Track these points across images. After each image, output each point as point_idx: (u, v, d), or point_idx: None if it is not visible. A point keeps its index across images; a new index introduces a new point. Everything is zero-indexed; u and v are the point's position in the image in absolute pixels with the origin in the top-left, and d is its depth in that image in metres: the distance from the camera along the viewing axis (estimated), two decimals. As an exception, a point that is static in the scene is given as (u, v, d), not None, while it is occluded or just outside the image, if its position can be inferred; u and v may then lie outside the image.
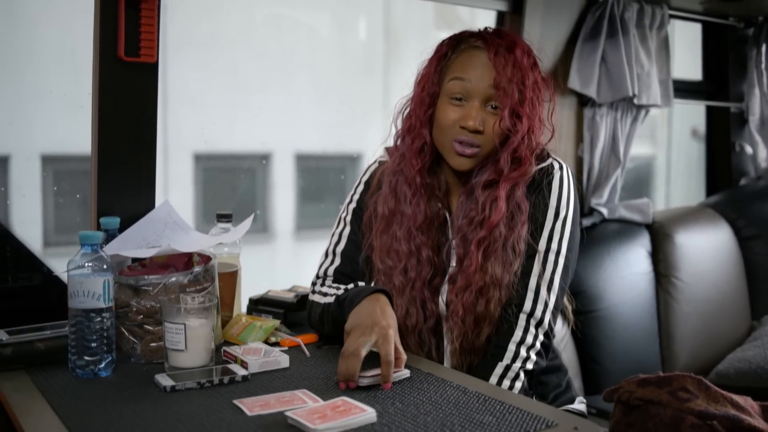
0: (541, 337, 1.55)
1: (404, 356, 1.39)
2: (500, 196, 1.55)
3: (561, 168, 1.62)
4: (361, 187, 1.74)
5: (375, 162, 1.75)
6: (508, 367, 1.53)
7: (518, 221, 1.56)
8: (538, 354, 1.55)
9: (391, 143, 1.70)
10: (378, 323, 1.37)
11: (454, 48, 1.61)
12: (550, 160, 1.62)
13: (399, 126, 1.68)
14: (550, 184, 1.60)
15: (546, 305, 1.56)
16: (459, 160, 1.57)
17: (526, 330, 1.55)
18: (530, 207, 1.58)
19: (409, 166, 1.62)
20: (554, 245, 1.58)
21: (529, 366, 1.54)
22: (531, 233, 1.57)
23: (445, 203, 1.65)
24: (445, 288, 1.62)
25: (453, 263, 1.62)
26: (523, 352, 1.53)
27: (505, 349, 1.54)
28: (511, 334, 1.54)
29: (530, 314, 1.55)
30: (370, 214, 1.68)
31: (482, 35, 1.60)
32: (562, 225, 1.59)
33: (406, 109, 1.67)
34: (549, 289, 1.56)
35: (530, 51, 1.59)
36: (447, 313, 1.60)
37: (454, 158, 1.57)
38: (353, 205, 1.73)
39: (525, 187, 1.59)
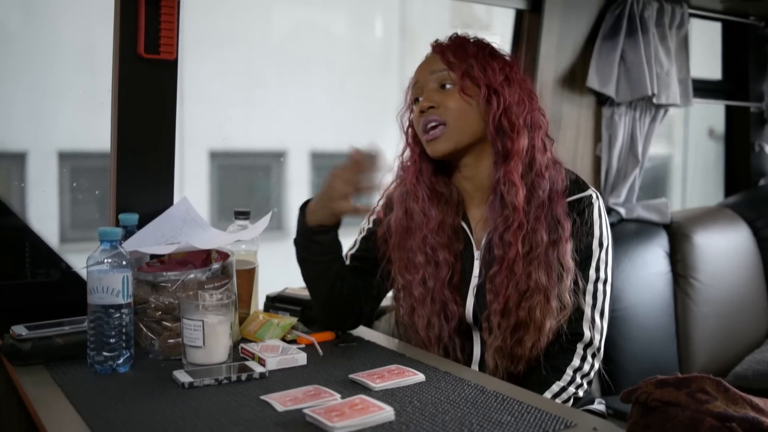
0: (596, 366, 1.61)
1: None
2: (515, 180, 1.56)
3: (598, 198, 1.64)
4: (383, 201, 1.76)
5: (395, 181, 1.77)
6: (564, 389, 1.56)
7: (560, 236, 1.57)
8: (589, 382, 1.60)
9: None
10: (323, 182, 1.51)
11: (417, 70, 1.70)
12: (589, 191, 1.64)
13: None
14: (591, 214, 1.62)
15: (601, 333, 1.62)
16: (431, 146, 1.61)
17: (583, 359, 1.59)
18: (573, 230, 1.59)
19: (407, 177, 1.67)
20: (602, 275, 1.62)
21: (580, 393, 1.58)
22: (579, 264, 1.59)
23: (459, 212, 1.67)
24: (471, 292, 1.63)
25: (475, 272, 1.63)
26: (578, 379, 1.58)
27: (562, 372, 1.57)
28: (570, 360, 1.59)
29: (588, 343, 1.60)
30: (383, 233, 1.70)
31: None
32: (606, 254, 1.63)
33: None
34: (601, 317, 1.62)
35: (477, 39, 1.65)
36: (484, 313, 1.60)
37: (428, 147, 1.61)
38: (374, 216, 1.77)
39: (565, 205, 1.60)
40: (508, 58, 1.65)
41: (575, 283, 1.58)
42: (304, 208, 1.61)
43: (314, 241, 1.60)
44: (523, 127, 1.59)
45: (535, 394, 1.37)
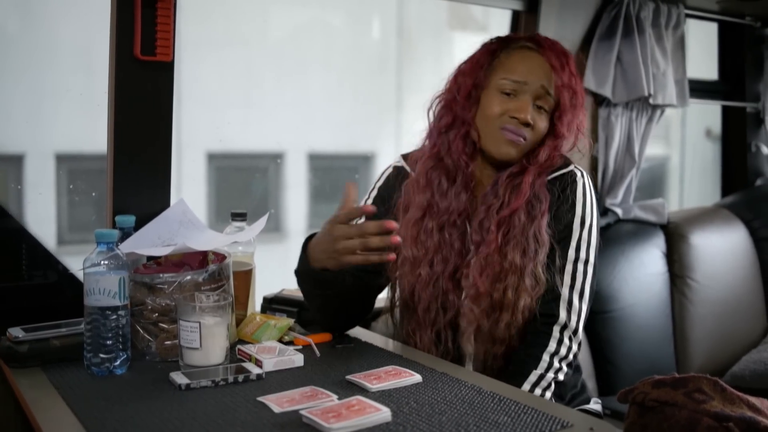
0: (574, 348, 1.58)
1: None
2: (525, 181, 1.57)
3: (583, 176, 1.64)
4: (374, 192, 1.75)
5: (390, 167, 1.75)
6: (542, 377, 1.54)
7: (538, 211, 1.57)
8: (568, 365, 1.58)
9: (418, 140, 1.71)
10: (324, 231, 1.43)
11: (504, 47, 1.64)
12: (572, 167, 1.64)
13: (433, 119, 1.68)
14: (574, 192, 1.61)
15: (579, 315, 1.58)
16: (506, 148, 1.59)
17: (560, 342, 1.57)
18: (553, 207, 1.59)
19: (456, 152, 1.63)
20: (582, 254, 1.60)
21: (561, 377, 1.56)
22: (558, 242, 1.59)
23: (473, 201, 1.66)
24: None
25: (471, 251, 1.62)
26: (556, 363, 1.55)
27: (539, 359, 1.55)
28: (545, 345, 1.56)
29: (564, 326, 1.57)
30: (397, 210, 1.67)
31: (534, 38, 1.64)
32: (588, 233, 1.61)
33: (440, 103, 1.67)
34: (581, 298, 1.59)
35: (577, 70, 1.64)
36: (462, 298, 1.60)
37: (501, 146, 1.59)
38: (375, 192, 1.75)
39: (545, 180, 1.60)
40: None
41: (549, 258, 1.57)
42: (307, 243, 1.53)
43: (318, 279, 1.51)
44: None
45: (532, 395, 1.38)
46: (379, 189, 1.75)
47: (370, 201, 1.74)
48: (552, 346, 1.56)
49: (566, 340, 1.57)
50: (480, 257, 1.56)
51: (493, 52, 1.64)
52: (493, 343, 1.57)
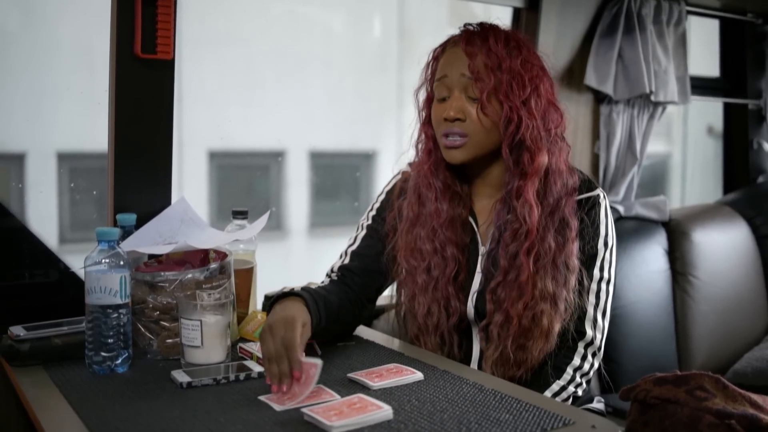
0: (595, 366, 1.60)
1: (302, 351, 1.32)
2: (529, 199, 1.54)
3: (605, 197, 1.64)
4: (383, 197, 1.75)
5: (399, 173, 1.76)
6: (563, 388, 1.56)
7: (568, 237, 1.56)
8: (588, 381, 1.60)
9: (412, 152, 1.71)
10: (282, 318, 1.33)
11: (443, 50, 1.62)
12: (597, 191, 1.63)
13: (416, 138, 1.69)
14: (598, 214, 1.61)
15: (602, 333, 1.61)
16: (448, 153, 1.58)
17: (584, 358, 1.59)
18: (580, 229, 1.58)
19: (422, 167, 1.65)
20: (605, 274, 1.61)
21: (579, 392, 1.58)
22: (584, 263, 1.58)
23: (467, 205, 1.65)
24: (474, 290, 1.62)
25: (479, 267, 1.62)
26: (578, 378, 1.58)
27: (563, 371, 1.57)
28: (570, 359, 1.58)
29: (589, 343, 1.59)
30: (394, 216, 1.68)
31: (462, 31, 1.61)
32: (610, 254, 1.62)
33: (416, 123, 1.69)
34: (603, 317, 1.61)
35: (510, 37, 1.57)
36: (482, 322, 1.59)
37: (445, 152, 1.58)
38: (373, 212, 1.74)
39: (574, 205, 1.59)
40: (542, 61, 1.59)
41: (579, 282, 1.58)
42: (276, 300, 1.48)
43: None
44: (544, 144, 1.56)
45: (533, 392, 1.37)
46: (387, 193, 1.75)
47: (378, 205, 1.75)
48: (576, 361, 1.58)
49: (590, 357, 1.59)
50: (510, 282, 1.55)
51: (436, 58, 1.63)
52: (512, 367, 1.56)
